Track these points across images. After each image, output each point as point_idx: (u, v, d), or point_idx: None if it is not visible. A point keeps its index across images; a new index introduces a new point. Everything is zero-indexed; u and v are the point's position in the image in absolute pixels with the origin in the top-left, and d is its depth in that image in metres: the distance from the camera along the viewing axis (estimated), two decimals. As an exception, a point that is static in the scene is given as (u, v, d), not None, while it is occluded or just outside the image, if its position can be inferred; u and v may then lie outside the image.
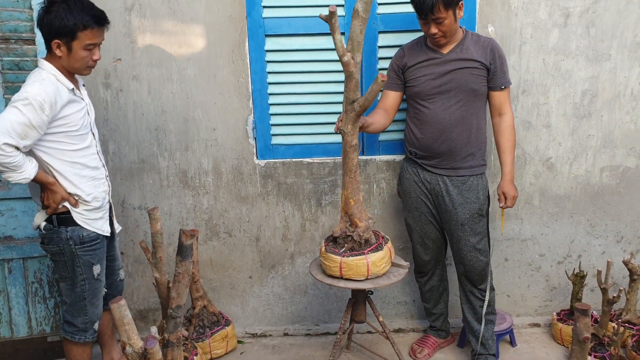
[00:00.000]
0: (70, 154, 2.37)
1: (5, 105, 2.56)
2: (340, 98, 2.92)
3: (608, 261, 2.91)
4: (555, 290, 3.36)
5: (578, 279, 3.08)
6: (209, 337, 3.04)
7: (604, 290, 2.87)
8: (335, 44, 2.32)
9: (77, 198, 2.41)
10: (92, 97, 3.00)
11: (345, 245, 2.60)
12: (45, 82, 2.24)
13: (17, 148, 2.17)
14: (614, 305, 2.90)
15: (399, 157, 3.16)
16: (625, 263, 2.95)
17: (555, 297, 3.37)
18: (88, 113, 2.48)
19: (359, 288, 2.59)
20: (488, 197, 2.81)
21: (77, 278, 2.46)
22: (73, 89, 2.37)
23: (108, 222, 2.58)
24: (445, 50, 2.68)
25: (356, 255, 2.54)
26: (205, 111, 3.11)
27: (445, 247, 3.03)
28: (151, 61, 3.04)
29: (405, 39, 2.95)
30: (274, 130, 3.16)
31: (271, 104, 3.12)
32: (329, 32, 2.36)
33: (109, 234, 2.58)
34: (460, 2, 2.56)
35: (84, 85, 2.56)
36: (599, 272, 2.91)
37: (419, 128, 2.77)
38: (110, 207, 2.63)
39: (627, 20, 3.00)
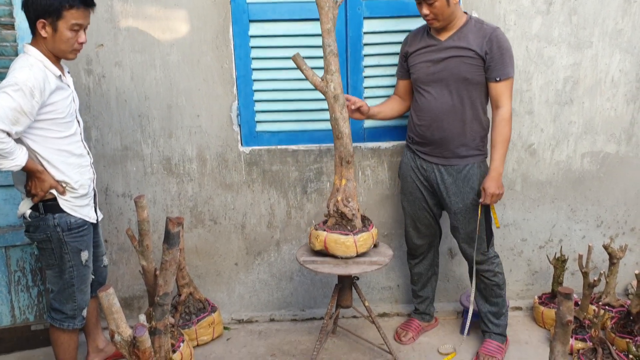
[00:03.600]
0: (57, 142, 2.35)
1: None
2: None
3: (589, 245, 2.96)
4: (537, 274, 3.42)
5: (559, 263, 3.14)
6: (195, 324, 3.05)
7: (585, 274, 2.92)
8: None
9: (64, 185, 2.39)
10: (74, 83, 2.95)
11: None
12: (34, 68, 2.21)
13: (9, 134, 2.14)
14: (594, 289, 2.96)
15: (384, 145, 3.17)
16: (605, 247, 3.01)
17: (536, 281, 3.43)
18: (74, 100, 2.45)
19: (339, 274, 2.61)
20: None
21: (65, 265, 2.44)
22: (60, 75, 2.34)
23: (93, 208, 2.57)
24: (444, 38, 2.64)
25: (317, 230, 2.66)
26: (189, 98, 3.08)
27: (440, 234, 3.05)
28: (134, 47, 3.00)
29: (391, 25, 2.96)
30: (259, 117, 3.14)
31: (255, 90, 3.10)
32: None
33: (95, 221, 2.57)
34: None
35: (69, 72, 2.52)
36: (580, 257, 2.96)
37: (417, 115, 2.77)
38: (95, 194, 2.61)
39: (608, 8, 3.03)
